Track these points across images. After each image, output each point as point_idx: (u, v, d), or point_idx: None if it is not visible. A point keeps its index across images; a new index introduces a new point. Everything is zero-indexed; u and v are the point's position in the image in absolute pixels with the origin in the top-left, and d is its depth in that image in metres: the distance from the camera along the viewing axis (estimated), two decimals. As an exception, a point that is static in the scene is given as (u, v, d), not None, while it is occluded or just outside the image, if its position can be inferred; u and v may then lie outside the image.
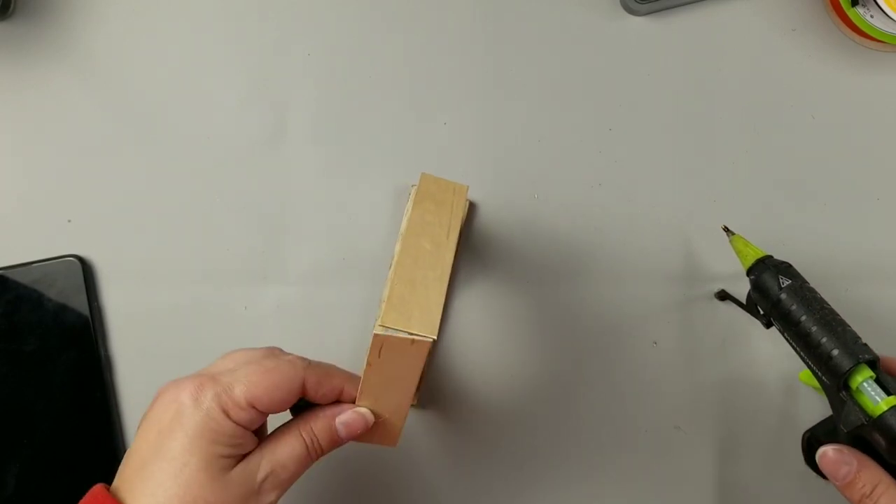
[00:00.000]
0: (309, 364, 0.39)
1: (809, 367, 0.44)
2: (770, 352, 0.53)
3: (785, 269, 0.44)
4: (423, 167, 0.52)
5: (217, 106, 0.52)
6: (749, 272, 0.46)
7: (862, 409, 0.40)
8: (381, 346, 0.36)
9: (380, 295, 0.51)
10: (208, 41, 0.53)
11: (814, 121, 0.54)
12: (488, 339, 0.52)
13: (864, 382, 0.41)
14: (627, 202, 0.53)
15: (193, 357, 0.51)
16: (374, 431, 0.40)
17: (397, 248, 0.50)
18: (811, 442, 0.50)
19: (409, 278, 0.38)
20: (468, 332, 0.52)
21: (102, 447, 0.50)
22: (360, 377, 0.39)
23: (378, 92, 0.53)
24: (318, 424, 0.39)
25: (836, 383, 0.41)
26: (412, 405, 0.45)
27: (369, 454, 0.50)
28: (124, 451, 0.50)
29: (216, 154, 0.52)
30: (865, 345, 0.42)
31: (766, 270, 0.44)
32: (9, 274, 0.50)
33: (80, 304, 0.50)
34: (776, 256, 0.45)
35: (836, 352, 0.41)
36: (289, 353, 0.41)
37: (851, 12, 0.51)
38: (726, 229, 0.48)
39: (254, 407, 0.36)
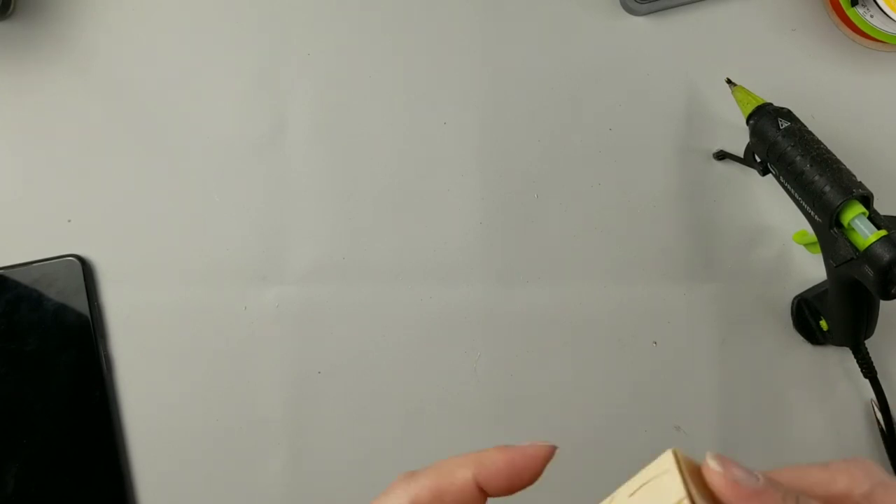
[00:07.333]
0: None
1: (804, 210, 0.42)
2: (770, 351, 0.53)
3: (785, 113, 0.44)
4: (423, 167, 0.53)
5: (217, 106, 0.52)
6: (749, 118, 0.45)
7: (852, 245, 0.39)
8: None
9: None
10: (208, 41, 0.53)
11: (814, 120, 0.54)
12: (487, 339, 0.52)
13: (855, 219, 0.39)
14: (627, 202, 0.53)
15: (193, 357, 0.51)
16: None
17: None
18: (800, 306, 0.49)
19: None
20: (465, 331, 0.52)
21: (102, 447, 0.50)
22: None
23: (377, 92, 0.53)
24: None
25: (827, 220, 0.40)
26: None
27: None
28: (124, 451, 0.50)
29: (216, 153, 0.52)
30: (860, 182, 0.40)
31: (765, 115, 0.44)
32: (8, 274, 0.50)
33: (80, 303, 0.50)
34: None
35: (828, 188, 0.40)
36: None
37: (851, 12, 0.51)
38: (729, 81, 0.48)
39: None
